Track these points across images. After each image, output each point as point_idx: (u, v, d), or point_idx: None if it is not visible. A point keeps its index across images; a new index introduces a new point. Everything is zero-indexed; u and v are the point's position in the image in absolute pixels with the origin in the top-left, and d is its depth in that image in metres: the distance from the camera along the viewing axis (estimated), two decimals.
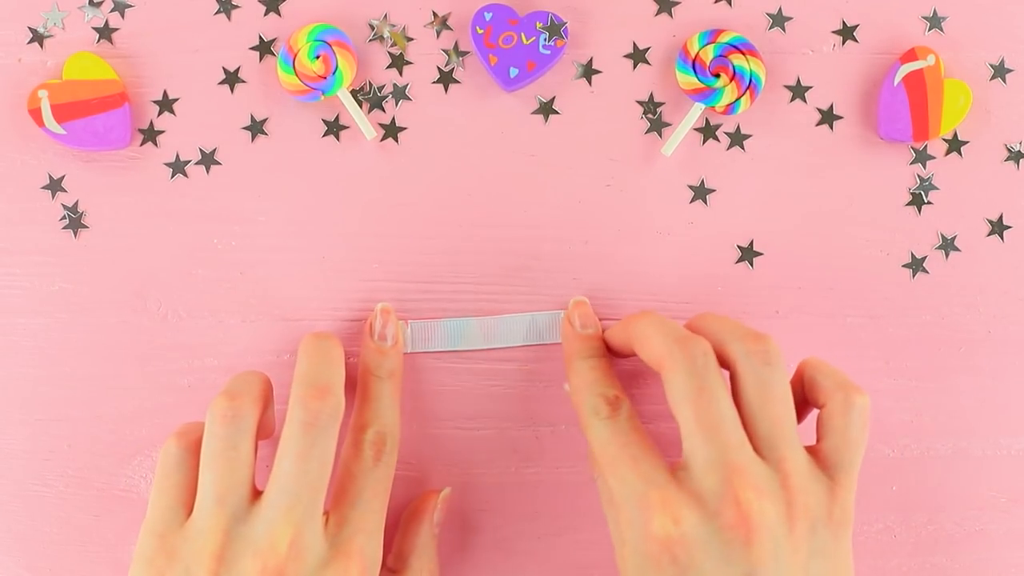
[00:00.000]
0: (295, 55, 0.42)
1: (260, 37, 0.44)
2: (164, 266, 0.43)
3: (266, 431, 0.39)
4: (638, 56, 0.44)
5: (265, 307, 0.44)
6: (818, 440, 0.36)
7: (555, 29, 0.42)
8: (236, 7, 0.44)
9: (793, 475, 0.34)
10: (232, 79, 0.44)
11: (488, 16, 0.42)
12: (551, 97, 0.44)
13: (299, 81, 0.42)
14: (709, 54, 0.43)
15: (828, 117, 0.44)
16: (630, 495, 0.34)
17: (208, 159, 0.43)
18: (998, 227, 0.44)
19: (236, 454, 0.35)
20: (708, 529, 0.33)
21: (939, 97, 0.42)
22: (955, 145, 0.44)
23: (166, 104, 0.43)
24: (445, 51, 0.44)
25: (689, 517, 0.33)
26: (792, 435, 0.35)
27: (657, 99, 0.44)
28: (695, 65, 0.43)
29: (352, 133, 0.44)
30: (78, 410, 0.43)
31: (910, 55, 0.43)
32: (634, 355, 0.39)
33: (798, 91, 0.44)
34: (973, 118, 0.44)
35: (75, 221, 0.43)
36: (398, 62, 0.44)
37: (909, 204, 0.44)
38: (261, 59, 0.44)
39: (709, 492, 0.33)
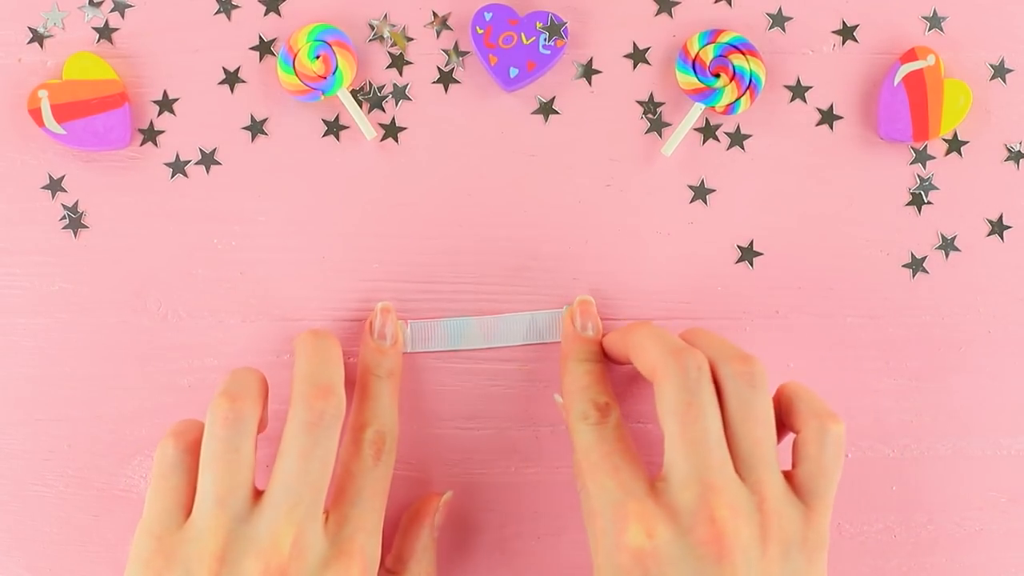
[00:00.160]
0: (295, 55, 0.42)
1: (260, 37, 0.44)
2: (164, 266, 0.43)
3: (261, 427, 0.39)
4: (638, 56, 0.44)
5: (265, 307, 0.44)
6: (793, 465, 0.36)
7: (555, 29, 0.42)
8: (236, 7, 0.44)
9: (770, 498, 0.34)
10: (232, 79, 0.44)
11: (488, 16, 0.42)
12: (551, 97, 0.44)
13: (299, 81, 0.42)
14: (709, 54, 0.43)
15: (828, 117, 0.44)
16: (608, 504, 0.35)
17: (208, 159, 0.43)
18: (998, 227, 0.44)
19: (238, 456, 0.35)
20: (681, 544, 0.33)
21: (939, 97, 0.42)
22: (955, 145, 0.44)
23: (166, 104, 0.43)
24: (445, 51, 0.44)
25: (663, 532, 0.33)
26: (771, 458, 0.35)
27: (657, 99, 0.44)
28: (695, 65, 0.43)
29: (352, 133, 0.44)
30: (78, 410, 0.43)
31: (910, 55, 0.43)
32: (630, 363, 0.39)
33: (798, 91, 0.44)
34: (973, 118, 0.44)
35: (75, 221, 0.43)
36: (398, 62, 0.44)
37: (909, 204, 0.44)
38: (261, 59, 0.44)
39: (685, 507, 0.33)
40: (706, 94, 0.43)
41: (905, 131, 0.43)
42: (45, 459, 0.44)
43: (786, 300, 0.44)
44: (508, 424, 0.44)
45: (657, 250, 0.44)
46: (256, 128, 0.44)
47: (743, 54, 0.43)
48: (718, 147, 0.44)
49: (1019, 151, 0.44)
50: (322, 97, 0.42)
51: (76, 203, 0.43)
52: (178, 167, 0.44)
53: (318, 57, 0.42)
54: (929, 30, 0.44)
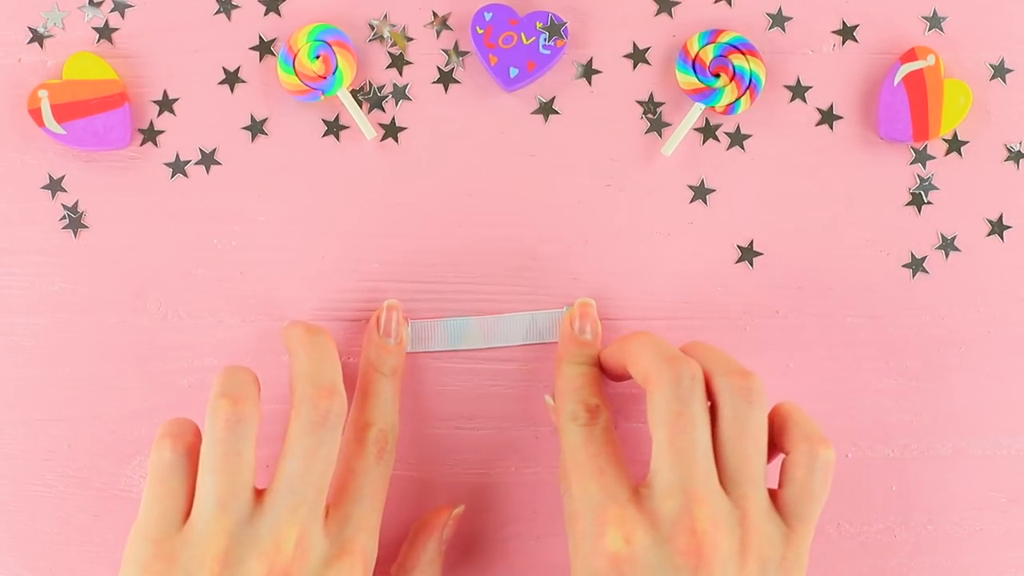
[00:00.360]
0: (295, 55, 0.42)
1: (260, 37, 0.44)
2: (164, 266, 0.43)
3: None
4: (638, 56, 0.44)
5: (265, 307, 0.44)
6: (780, 486, 0.36)
7: (555, 29, 0.42)
8: (236, 7, 0.44)
9: (753, 514, 0.34)
10: (232, 79, 0.44)
11: (488, 16, 0.42)
12: (551, 97, 0.44)
13: (299, 81, 0.42)
14: (709, 54, 0.43)
15: (828, 117, 0.44)
16: (589, 506, 0.35)
17: (208, 159, 0.43)
18: (998, 227, 0.44)
19: (240, 459, 0.35)
20: (659, 553, 0.33)
21: (939, 97, 0.42)
22: (955, 145, 0.44)
23: (166, 104, 0.43)
24: (445, 51, 0.44)
25: (642, 538, 0.33)
26: (759, 476, 0.35)
27: (657, 99, 0.44)
28: (695, 65, 0.43)
29: (352, 133, 0.44)
30: (78, 410, 0.43)
31: (910, 55, 0.43)
32: (628, 378, 0.39)
33: (798, 91, 0.44)
34: (973, 118, 0.44)
35: (75, 221, 0.43)
36: (398, 62, 0.44)
37: (909, 204, 0.44)
38: (261, 59, 0.44)
39: (666, 516, 0.33)
40: (706, 94, 0.43)
41: (905, 131, 0.43)
42: (45, 459, 0.44)
43: (786, 300, 0.44)
44: (508, 424, 0.44)
45: (657, 250, 0.44)
46: (256, 128, 0.44)
47: (743, 54, 0.43)
48: (718, 147, 0.44)
49: (1019, 151, 0.44)
50: (322, 97, 0.42)
51: (76, 203, 0.43)
52: (178, 167, 0.44)
53: (318, 57, 0.42)
54: (929, 30, 0.44)
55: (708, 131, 0.44)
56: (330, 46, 0.42)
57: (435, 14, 0.44)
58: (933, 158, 0.44)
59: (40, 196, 0.43)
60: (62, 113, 0.42)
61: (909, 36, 0.44)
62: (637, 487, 0.35)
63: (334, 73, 0.42)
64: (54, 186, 0.43)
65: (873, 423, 0.44)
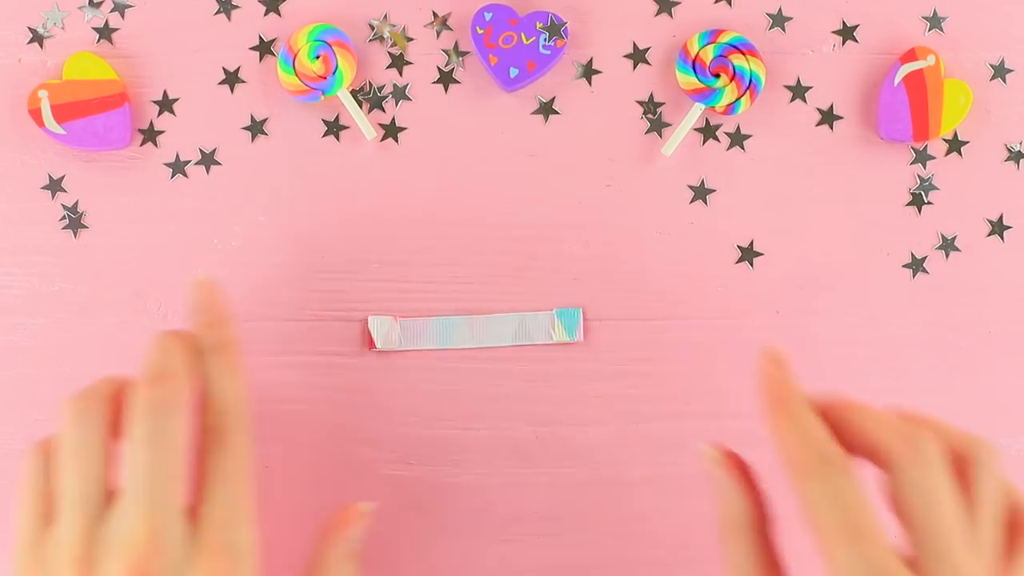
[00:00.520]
0: (295, 55, 0.42)
1: (260, 37, 0.44)
2: (164, 266, 0.43)
3: (115, 430, 0.37)
4: (638, 56, 0.44)
5: (265, 307, 0.43)
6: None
7: (555, 29, 0.42)
8: (236, 7, 0.44)
9: None
10: (232, 79, 0.44)
11: (488, 16, 0.42)
12: (551, 97, 0.44)
13: (299, 81, 0.42)
14: (709, 54, 0.43)
15: (828, 117, 0.44)
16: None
17: (208, 159, 0.43)
18: (998, 227, 0.44)
19: (88, 451, 0.34)
20: None
21: (939, 97, 0.42)
22: (955, 145, 0.44)
23: (166, 104, 0.43)
24: (445, 51, 0.44)
25: None
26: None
27: (657, 99, 0.44)
28: (695, 65, 0.43)
29: (352, 133, 0.44)
30: None
31: (910, 55, 0.43)
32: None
33: (798, 91, 0.44)
34: (973, 118, 0.44)
35: (75, 221, 0.43)
36: (398, 62, 0.44)
37: (909, 204, 0.44)
38: (261, 59, 0.44)
39: None
40: (706, 94, 0.43)
41: (905, 131, 0.43)
42: None
43: (786, 300, 0.44)
44: (508, 424, 0.44)
45: (657, 250, 0.44)
46: (256, 128, 0.44)
47: (743, 54, 0.43)
48: (718, 147, 0.44)
49: (1019, 151, 0.44)
50: (322, 97, 0.42)
51: (76, 203, 0.43)
52: (178, 167, 0.44)
53: (318, 57, 0.42)
54: (929, 30, 0.44)
55: (708, 131, 0.44)
56: (330, 46, 0.42)
57: (435, 14, 0.44)
58: (933, 158, 0.44)
59: (40, 196, 0.43)
60: (62, 113, 0.42)
61: (909, 36, 0.44)
62: (909, 563, 0.32)
63: (334, 73, 0.42)
64: (54, 186, 0.43)
65: None
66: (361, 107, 0.43)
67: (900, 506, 0.32)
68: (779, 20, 0.44)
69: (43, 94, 0.42)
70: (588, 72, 0.44)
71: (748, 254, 0.44)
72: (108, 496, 0.34)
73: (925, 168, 0.44)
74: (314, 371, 0.44)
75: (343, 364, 0.44)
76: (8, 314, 0.43)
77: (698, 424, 0.44)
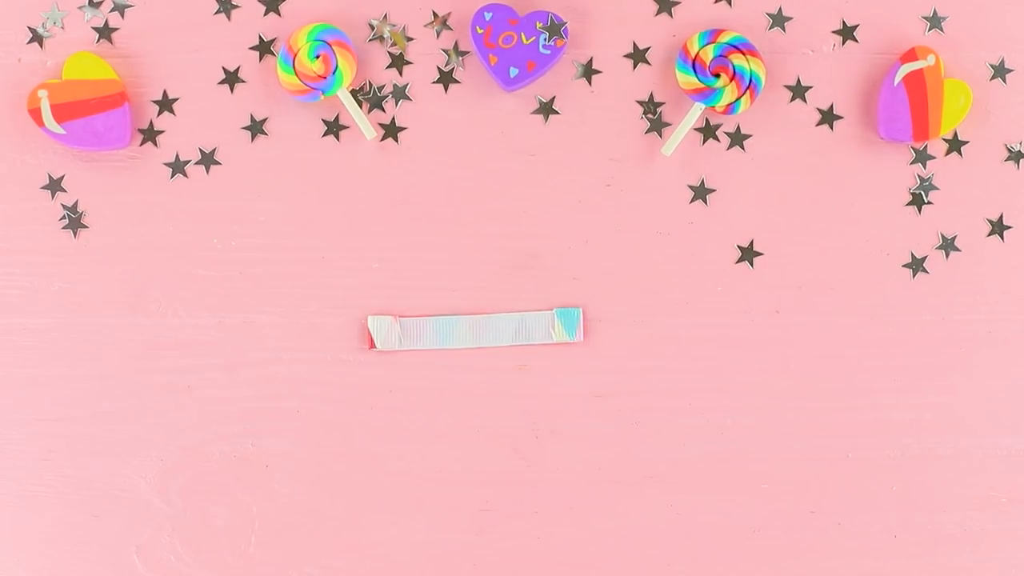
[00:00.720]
0: (295, 55, 0.42)
1: (260, 37, 0.44)
2: (164, 266, 0.43)
3: None
4: (638, 56, 0.44)
5: (265, 307, 0.43)
6: None
7: (555, 29, 0.42)
8: (236, 7, 0.44)
9: None
10: (232, 79, 0.44)
11: (488, 16, 0.42)
12: (551, 97, 0.44)
13: (299, 81, 0.42)
14: (709, 54, 0.43)
15: (828, 117, 0.44)
16: None
17: (208, 159, 0.43)
18: (998, 227, 0.44)
19: None
20: None
21: (939, 97, 0.42)
22: (955, 145, 0.44)
23: (166, 104, 0.43)
24: (445, 51, 0.44)
25: None
26: None
27: (657, 99, 0.44)
28: (695, 65, 0.43)
29: (352, 133, 0.44)
30: (78, 410, 0.43)
31: (910, 55, 0.43)
32: None
33: (798, 91, 0.44)
34: (973, 118, 0.44)
35: (75, 221, 0.43)
36: (398, 62, 0.44)
37: (909, 204, 0.44)
38: (261, 59, 0.44)
39: None
40: (706, 94, 0.43)
41: (905, 131, 0.43)
42: (45, 459, 0.44)
43: (786, 300, 0.44)
44: (508, 424, 0.44)
45: (657, 250, 0.44)
46: (256, 128, 0.44)
47: (743, 54, 0.43)
48: (718, 147, 0.44)
49: (1019, 151, 0.44)
50: (322, 97, 0.42)
51: (76, 203, 0.43)
52: (178, 167, 0.44)
53: (318, 57, 0.42)
54: (929, 30, 0.44)
55: (708, 131, 0.44)
56: (330, 46, 0.42)
57: (435, 14, 0.44)
58: (933, 158, 0.44)
59: (40, 196, 0.43)
60: (62, 113, 0.42)
61: (909, 36, 0.44)
62: None
63: (334, 73, 0.42)
64: (54, 186, 0.43)
65: (873, 423, 0.44)
66: (361, 107, 0.43)
67: None
68: (779, 20, 0.44)
69: (43, 94, 0.42)
70: (588, 72, 0.44)
71: (748, 254, 0.44)
72: None
73: (925, 168, 0.44)
74: (314, 371, 0.44)
75: (343, 364, 0.44)
76: (8, 314, 0.43)
77: (698, 424, 0.44)
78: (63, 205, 0.43)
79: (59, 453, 0.43)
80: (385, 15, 0.44)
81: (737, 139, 0.44)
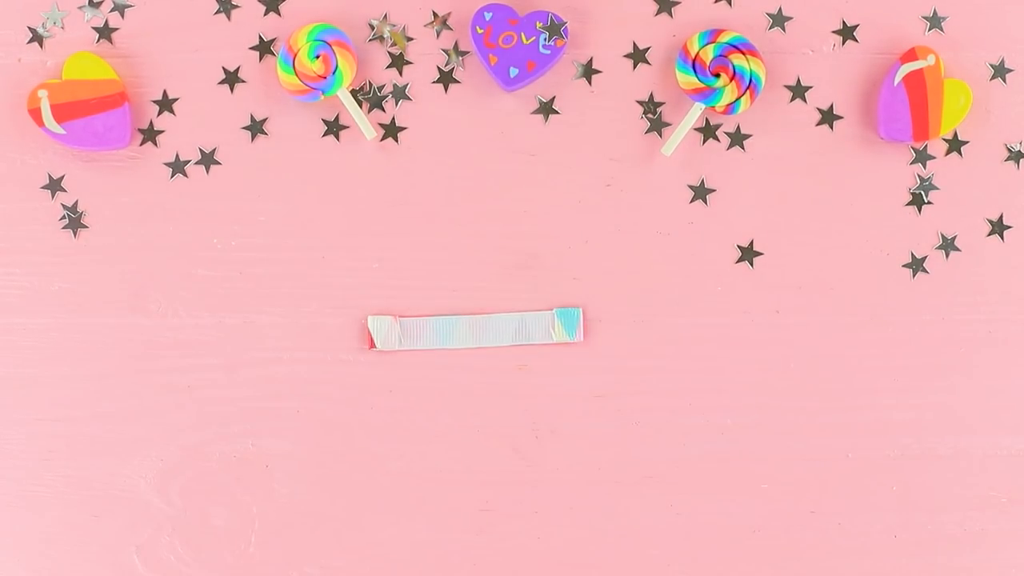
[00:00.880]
0: (295, 55, 0.42)
1: (260, 37, 0.44)
2: (164, 266, 0.43)
3: None
4: (638, 56, 0.44)
5: (265, 307, 0.43)
6: None
7: (555, 29, 0.42)
8: (236, 7, 0.44)
9: None
10: (232, 79, 0.44)
11: (488, 16, 0.42)
12: (551, 97, 0.44)
13: (299, 81, 0.42)
14: (709, 54, 0.43)
15: (828, 117, 0.44)
16: None
17: (208, 159, 0.43)
18: (998, 227, 0.44)
19: None
20: None
21: (939, 97, 0.42)
22: (955, 145, 0.44)
23: (166, 104, 0.43)
24: (445, 51, 0.44)
25: None
26: None
27: (657, 99, 0.44)
28: (695, 65, 0.43)
29: (352, 133, 0.44)
30: (78, 410, 0.43)
31: (910, 55, 0.43)
32: None
33: (798, 91, 0.44)
34: (973, 118, 0.44)
35: (75, 221, 0.43)
36: (398, 62, 0.44)
37: (909, 204, 0.44)
38: (261, 59, 0.44)
39: None
40: (706, 94, 0.43)
41: (905, 131, 0.43)
42: (45, 459, 0.44)
43: (786, 300, 0.44)
44: (508, 424, 0.44)
45: (657, 250, 0.44)
46: (256, 128, 0.44)
47: (743, 54, 0.43)
48: (718, 147, 0.44)
49: (1019, 151, 0.44)
50: (322, 97, 0.42)
51: (76, 203, 0.43)
52: (178, 167, 0.44)
53: (318, 57, 0.42)
54: (929, 30, 0.44)
55: (708, 131, 0.44)
56: (330, 46, 0.42)
57: (435, 14, 0.44)
58: (933, 158, 0.44)
59: (40, 196, 0.43)
60: (62, 113, 0.42)
61: (909, 36, 0.44)
62: None
63: (334, 73, 0.42)
64: (54, 186, 0.43)
65: (873, 423, 0.44)
66: (361, 107, 0.43)
67: None
68: (779, 20, 0.44)
69: (43, 94, 0.42)
70: (588, 72, 0.44)
71: (748, 254, 0.44)
72: None
73: (925, 168, 0.44)
74: (314, 371, 0.44)
75: (343, 364, 0.44)
76: (8, 314, 0.43)
77: (698, 424, 0.44)
78: (63, 205, 0.43)
79: (59, 453, 0.43)
80: (385, 15, 0.44)
81: (737, 139, 0.44)
